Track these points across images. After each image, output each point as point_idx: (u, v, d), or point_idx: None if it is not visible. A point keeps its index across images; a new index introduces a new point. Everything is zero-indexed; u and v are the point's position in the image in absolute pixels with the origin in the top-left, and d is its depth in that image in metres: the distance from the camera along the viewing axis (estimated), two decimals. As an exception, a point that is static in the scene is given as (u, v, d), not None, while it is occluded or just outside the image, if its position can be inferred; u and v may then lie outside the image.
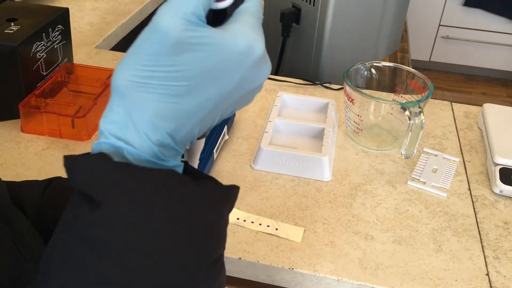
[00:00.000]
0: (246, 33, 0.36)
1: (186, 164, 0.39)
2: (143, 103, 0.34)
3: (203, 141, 0.46)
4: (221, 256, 0.36)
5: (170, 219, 0.33)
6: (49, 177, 0.63)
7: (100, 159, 0.33)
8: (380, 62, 0.90)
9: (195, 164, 0.46)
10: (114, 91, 0.34)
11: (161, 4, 0.35)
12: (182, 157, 0.40)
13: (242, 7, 0.38)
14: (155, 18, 0.34)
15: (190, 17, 0.34)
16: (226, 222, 0.36)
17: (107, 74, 0.94)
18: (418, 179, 0.81)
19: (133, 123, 0.34)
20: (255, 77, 0.37)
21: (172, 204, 0.33)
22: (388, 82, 0.90)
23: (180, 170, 0.36)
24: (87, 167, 0.33)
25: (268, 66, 0.38)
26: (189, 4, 0.34)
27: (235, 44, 0.35)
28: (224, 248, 0.37)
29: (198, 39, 0.34)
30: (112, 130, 0.34)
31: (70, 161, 0.34)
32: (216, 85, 0.35)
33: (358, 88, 0.82)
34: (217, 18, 0.37)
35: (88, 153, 0.35)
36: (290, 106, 0.95)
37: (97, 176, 0.33)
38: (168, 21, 0.33)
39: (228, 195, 0.36)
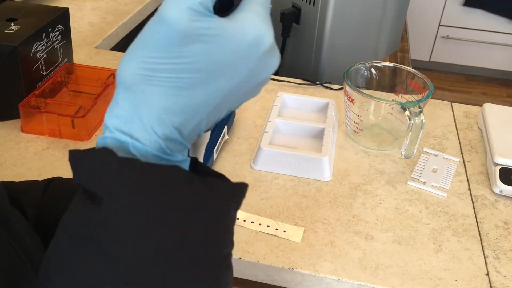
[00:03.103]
0: (254, 23, 0.34)
1: (196, 160, 0.38)
2: (150, 96, 0.33)
3: (208, 134, 0.45)
4: (229, 254, 0.36)
5: (174, 217, 0.32)
6: (49, 177, 0.63)
7: (103, 154, 0.32)
8: (380, 62, 0.90)
9: (200, 157, 0.45)
10: (120, 85, 0.34)
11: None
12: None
13: None
14: (161, 9, 0.33)
15: (197, 7, 0.33)
16: (233, 219, 0.35)
17: (107, 74, 0.94)
18: (418, 179, 0.81)
19: (139, 117, 0.33)
20: (263, 69, 0.36)
21: (176, 201, 0.32)
22: (388, 82, 0.90)
23: (186, 164, 0.35)
24: (90, 162, 0.32)
25: (276, 58, 0.36)
26: None
27: (243, 34, 0.34)
28: (231, 247, 0.36)
29: (205, 30, 0.33)
30: (117, 124, 0.33)
31: (74, 156, 0.33)
32: (224, 78, 0.34)
33: (358, 88, 0.82)
34: (224, 7, 0.36)
35: (93, 148, 0.33)
36: (290, 106, 0.95)
37: (100, 171, 0.32)
38: (175, 12, 0.32)
39: (235, 192, 0.35)
